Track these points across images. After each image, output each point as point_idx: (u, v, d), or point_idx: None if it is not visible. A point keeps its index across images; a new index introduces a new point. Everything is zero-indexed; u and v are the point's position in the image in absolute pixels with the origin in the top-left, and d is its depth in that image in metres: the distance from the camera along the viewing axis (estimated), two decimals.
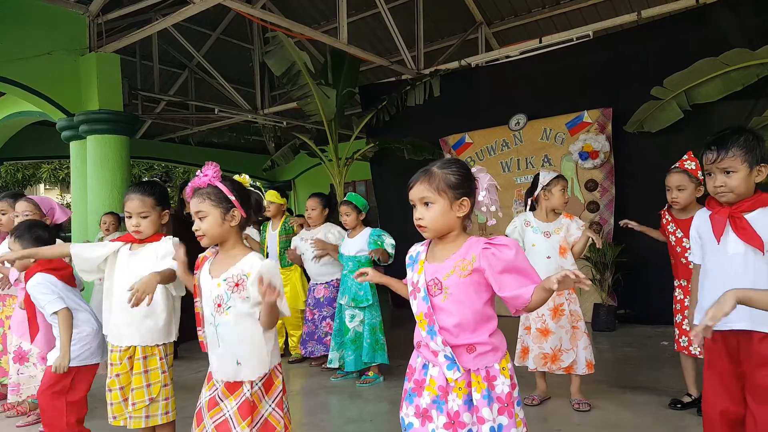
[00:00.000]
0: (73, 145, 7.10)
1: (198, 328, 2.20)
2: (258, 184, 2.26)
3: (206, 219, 2.07)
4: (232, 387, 2.04)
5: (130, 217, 2.57)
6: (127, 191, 2.64)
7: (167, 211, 2.65)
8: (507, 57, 7.43)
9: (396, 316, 7.65)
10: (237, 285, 2.02)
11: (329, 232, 4.72)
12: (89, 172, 6.80)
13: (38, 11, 6.55)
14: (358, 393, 4.08)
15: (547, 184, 3.60)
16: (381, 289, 4.64)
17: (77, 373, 2.82)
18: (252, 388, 2.03)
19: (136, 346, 2.57)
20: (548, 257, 3.53)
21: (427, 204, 1.84)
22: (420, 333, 1.89)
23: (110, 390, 2.59)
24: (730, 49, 5.15)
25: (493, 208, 1.85)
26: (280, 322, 5.08)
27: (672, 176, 3.36)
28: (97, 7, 6.80)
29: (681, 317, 3.39)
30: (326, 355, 4.59)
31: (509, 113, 6.92)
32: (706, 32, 5.60)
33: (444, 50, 8.92)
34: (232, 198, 2.08)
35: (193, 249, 2.24)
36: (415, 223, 1.88)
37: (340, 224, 4.69)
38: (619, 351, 5.10)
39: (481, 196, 1.85)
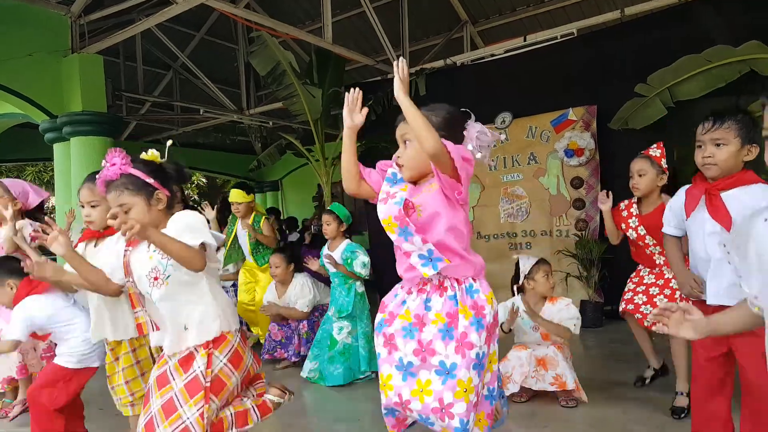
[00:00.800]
0: (57, 147, 7.02)
1: (134, 311, 2.17)
2: (169, 143, 2.13)
3: (132, 211, 1.97)
4: (185, 361, 2.01)
5: (83, 207, 2.51)
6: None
7: None
8: (492, 55, 7.45)
9: None
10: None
11: (303, 295, 4.71)
12: (73, 174, 6.74)
13: (19, 12, 6.47)
14: (347, 393, 4.07)
15: (529, 273, 3.59)
16: (368, 290, 4.64)
17: (74, 375, 2.81)
18: (202, 361, 1.99)
19: (121, 341, 2.55)
20: (538, 344, 3.61)
21: (406, 141, 1.91)
22: (391, 238, 1.91)
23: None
24: (713, 45, 5.20)
25: (478, 155, 1.87)
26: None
27: (635, 162, 3.37)
28: (79, 7, 6.73)
29: (631, 285, 3.51)
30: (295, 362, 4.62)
31: (494, 111, 6.94)
32: (689, 29, 5.64)
33: (429, 49, 8.93)
34: (151, 181, 1.99)
35: None
36: (394, 160, 1.96)
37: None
38: (606, 347, 5.13)
39: (470, 146, 1.87)
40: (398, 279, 2.08)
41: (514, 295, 3.69)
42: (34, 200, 3.50)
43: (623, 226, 3.54)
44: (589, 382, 3.89)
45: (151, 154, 2.06)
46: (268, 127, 10.31)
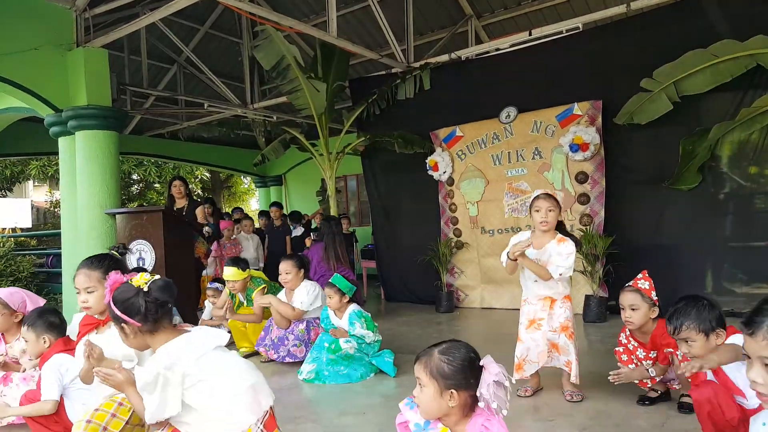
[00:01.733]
0: (62, 141, 7.04)
1: None
2: (156, 278, 2.11)
3: (117, 337, 2.11)
4: None
5: (79, 293, 2.52)
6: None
7: None
8: (497, 50, 7.43)
9: (388, 310, 7.68)
10: None
11: (307, 292, 4.69)
12: (78, 168, 6.76)
13: (24, 6, 6.48)
14: (351, 386, 4.09)
15: (531, 205, 3.56)
16: (371, 284, 4.64)
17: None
18: None
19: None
20: (535, 280, 3.56)
21: (421, 385, 1.81)
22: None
23: None
24: (719, 40, 5.18)
25: (494, 405, 1.71)
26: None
27: (625, 295, 3.26)
28: (83, 1, 6.74)
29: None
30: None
31: (499, 106, 6.93)
32: (695, 24, 5.62)
33: (434, 43, 8.91)
34: (118, 314, 2.02)
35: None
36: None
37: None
38: (610, 342, 5.12)
39: (481, 390, 1.72)
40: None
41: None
42: (31, 308, 3.49)
43: (633, 357, 3.39)
44: (593, 376, 3.89)
45: (137, 279, 2.07)
46: (272, 121, 10.31)
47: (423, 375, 1.79)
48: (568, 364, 3.50)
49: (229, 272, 5.09)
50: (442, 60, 7.64)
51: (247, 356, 4.91)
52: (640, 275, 3.31)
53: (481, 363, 1.76)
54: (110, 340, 2.42)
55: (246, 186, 19.48)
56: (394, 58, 7.76)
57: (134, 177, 16.51)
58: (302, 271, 4.77)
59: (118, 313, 2.01)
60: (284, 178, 14.14)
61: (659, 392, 3.39)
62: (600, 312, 6.01)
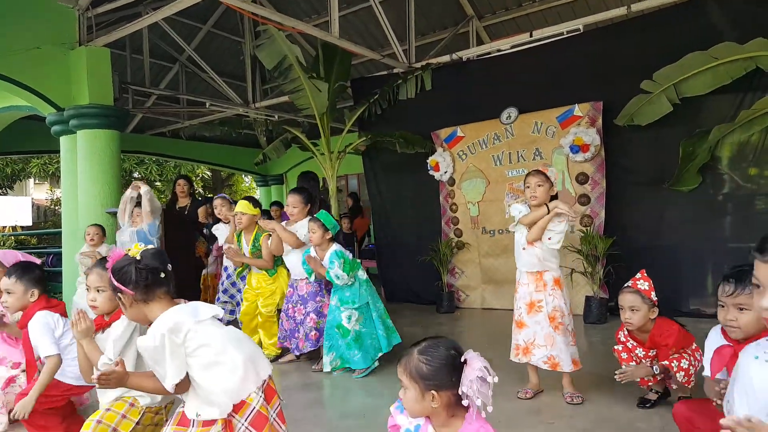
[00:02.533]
0: (63, 140, 7.07)
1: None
2: (149, 247, 2.17)
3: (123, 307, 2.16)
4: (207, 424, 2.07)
5: (89, 290, 2.55)
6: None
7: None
8: (498, 51, 7.46)
9: (388, 310, 7.67)
10: None
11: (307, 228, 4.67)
12: (79, 167, 6.78)
13: (27, 5, 6.49)
14: (352, 387, 4.11)
15: (524, 181, 3.67)
16: (373, 279, 4.65)
17: (71, 388, 2.91)
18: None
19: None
20: (524, 248, 3.65)
21: (404, 388, 1.77)
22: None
23: None
24: (719, 42, 5.20)
25: (478, 402, 1.64)
26: (255, 321, 5.06)
27: (625, 296, 3.25)
28: (86, 1, 6.75)
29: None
30: (314, 350, 4.66)
31: (500, 107, 6.95)
32: (695, 26, 5.64)
33: (435, 44, 8.92)
34: (115, 283, 2.09)
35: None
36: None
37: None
38: (610, 343, 5.11)
39: (462, 389, 1.65)
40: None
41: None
42: None
43: (632, 355, 3.38)
44: (593, 378, 3.92)
45: (132, 250, 2.12)
46: (274, 120, 10.32)
47: (404, 377, 1.75)
48: (551, 360, 3.51)
49: (242, 205, 5.01)
50: (444, 60, 7.65)
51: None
52: (639, 275, 3.30)
53: (463, 358, 1.68)
54: (109, 339, 2.47)
55: (247, 185, 19.50)
56: (395, 59, 7.78)
57: (135, 175, 16.52)
58: (308, 206, 4.76)
59: (115, 282, 2.08)
60: (285, 177, 14.15)
61: (659, 393, 3.41)
62: (600, 313, 6.03)
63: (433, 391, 1.68)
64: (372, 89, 7.94)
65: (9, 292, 3.00)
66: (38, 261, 3.49)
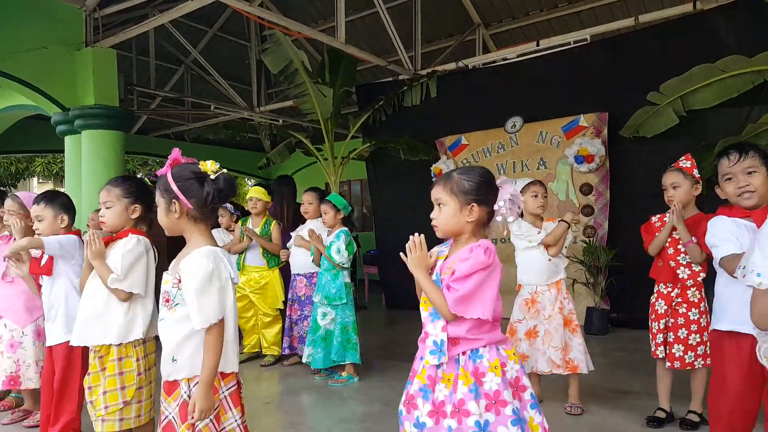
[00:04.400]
0: (68, 140, 7.07)
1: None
2: (225, 171, 2.08)
3: (158, 208, 2.04)
4: (170, 387, 1.97)
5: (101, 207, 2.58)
6: None
7: (137, 206, 2.57)
8: (504, 59, 7.44)
9: (389, 317, 7.67)
10: (179, 281, 1.93)
11: (319, 225, 4.72)
12: (83, 167, 6.78)
13: (35, 5, 6.52)
14: (350, 394, 4.07)
15: (524, 191, 3.62)
16: (372, 290, 4.64)
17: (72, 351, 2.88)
18: (189, 388, 1.93)
19: (110, 346, 2.49)
20: (549, 259, 3.61)
21: (440, 204, 1.93)
22: (422, 314, 1.95)
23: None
24: (727, 55, 5.18)
25: (510, 218, 1.90)
26: (252, 321, 5.07)
27: (667, 175, 3.34)
28: (93, 1, 6.77)
29: (657, 326, 3.30)
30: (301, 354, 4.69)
31: (505, 115, 6.94)
32: (703, 38, 5.63)
33: (441, 51, 8.93)
34: (174, 188, 1.97)
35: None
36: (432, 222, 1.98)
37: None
38: (611, 355, 5.12)
39: (499, 204, 1.89)
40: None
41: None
42: None
43: (650, 234, 3.50)
44: (593, 389, 3.89)
45: (204, 164, 2.04)
46: (278, 124, 10.34)
47: (443, 194, 1.92)
48: (569, 363, 3.52)
49: (257, 191, 5.05)
50: (449, 68, 7.65)
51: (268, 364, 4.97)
52: (682, 157, 3.33)
53: (498, 182, 1.91)
54: (111, 258, 2.51)
55: (250, 188, 19.54)
56: (401, 65, 7.78)
57: (138, 176, 16.55)
58: (341, 213, 4.68)
59: (175, 188, 1.97)
60: None
61: (665, 413, 3.35)
62: (602, 325, 5.98)
63: (474, 204, 1.87)
64: (377, 95, 7.94)
65: (39, 219, 2.99)
66: None
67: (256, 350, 5.13)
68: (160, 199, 2.02)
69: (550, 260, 3.59)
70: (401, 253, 1.97)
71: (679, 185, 3.25)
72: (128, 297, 2.47)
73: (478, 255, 1.82)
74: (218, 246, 2.05)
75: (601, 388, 4.00)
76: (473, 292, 1.79)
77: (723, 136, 5.38)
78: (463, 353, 1.84)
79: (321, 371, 4.45)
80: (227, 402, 1.98)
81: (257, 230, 4.99)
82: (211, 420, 1.91)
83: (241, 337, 5.11)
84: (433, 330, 1.88)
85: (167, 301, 1.96)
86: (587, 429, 3.27)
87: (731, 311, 2.26)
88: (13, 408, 3.69)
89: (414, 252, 1.91)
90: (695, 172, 3.25)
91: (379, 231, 8.58)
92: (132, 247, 2.49)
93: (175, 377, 1.95)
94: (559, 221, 3.63)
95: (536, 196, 3.61)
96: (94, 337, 2.50)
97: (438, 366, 1.86)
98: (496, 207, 1.90)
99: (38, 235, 3.02)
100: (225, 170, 2.08)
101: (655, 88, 5.52)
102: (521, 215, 3.71)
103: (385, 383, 4.22)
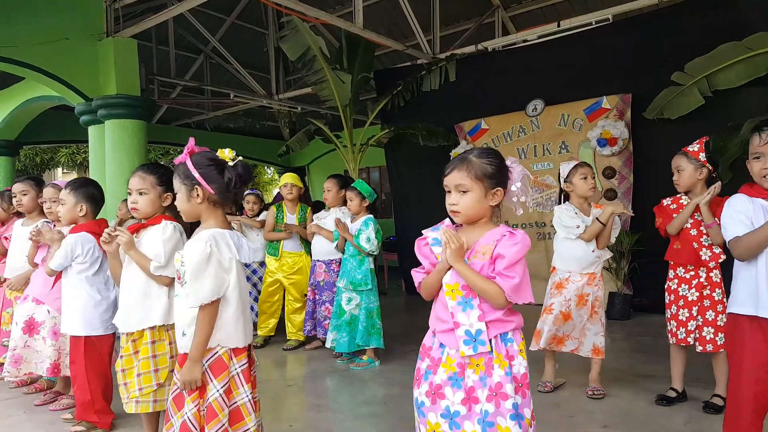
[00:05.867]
0: (92, 130, 7.18)
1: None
2: (240, 158, 2.14)
3: (177, 195, 2.11)
4: (182, 360, 2.06)
5: (131, 194, 2.61)
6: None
7: (169, 194, 2.61)
8: (524, 41, 7.35)
9: (408, 302, 7.68)
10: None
11: (343, 214, 4.72)
12: (107, 156, 6.88)
13: None
14: (371, 377, 4.11)
15: (567, 176, 3.58)
16: (392, 276, 4.65)
17: (98, 341, 2.96)
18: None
19: (143, 330, 2.58)
20: (592, 251, 3.56)
21: (462, 191, 1.88)
22: (447, 304, 1.87)
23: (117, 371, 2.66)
24: (753, 33, 5.03)
25: (523, 199, 1.89)
26: (275, 306, 5.13)
27: (673, 159, 3.36)
28: None
29: (676, 308, 3.29)
30: (322, 339, 4.76)
31: (526, 99, 6.86)
32: (728, 16, 5.47)
33: (460, 34, 8.84)
34: (196, 175, 2.03)
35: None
36: (449, 208, 1.92)
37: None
38: (633, 340, 5.08)
39: (515, 186, 1.88)
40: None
41: (560, 203, 3.67)
42: None
43: (668, 216, 3.46)
44: (615, 374, 3.86)
45: (222, 152, 2.10)
46: (297, 112, 10.36)
47: (467, 180, 1.85)
48: (595, 347, 3.54)
49: (291, 177, 5.14)
50: (469, 51, 7.57)
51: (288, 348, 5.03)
52: (696, 141, 3.32)
53: (507, 163, 1.90)
54: (144, 243, 2.58)
55: (270, 176, 19.62)
56: (419, 49, 7.72)
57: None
58: (343, 191, 4.76)
59: (197, 174, 2.03)
60: (308, 169, 14.20)
61: (677, 392, 3.33)
62: (624, 309, 5.93)
63: (499, 188, 1.86)
64: (395, 81, 7.90)
65: (62, 203, 3.07)
66: None
67: (272, 334, 5.20)
68: (180, 186, 2.08)
69: (593, 251, 3.54)
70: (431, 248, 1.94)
71: (682, 169, 3.26)
72: (172, 282, 2.51)
73: (524, 239, 1.81)
74: (232, 228, 2.13)
75: (622, 372, 3.97)
76: (525, 277, 1.79)
77: (749, 117, 5.25)
78: (495, 337, 1.83)
79: (343, 355, 4.49)
80: (239, 378, 2.06)
81: (294, 217, 5.06)
82: (221, 394, 1.99)
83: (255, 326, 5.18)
84: (467, 320, 1.82)
85: (179, 278, 2.06)
86: (609, 412, 3.26)
87: (747, 294, 2.21)
88: (45, 389, 3.79)
89: (451, 244, 1.84)
90: (701, 156, 3.21)
91: (398, 217, 8.57)
92: (170, 235, 2.55)
93: (184, 350, 2.05)
94: (594, 219, 3.53)
95: (585, 178, 3.53)
96: (137, 322, 2.58)
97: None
98: (513, 188, 1.88)
99: (57, 219, 3.15)
100: (241, 157, 2.13)
101: (679, 68, 5.40)
102: (567, 198, 3.67)
103: (406, 367, 4.24)
